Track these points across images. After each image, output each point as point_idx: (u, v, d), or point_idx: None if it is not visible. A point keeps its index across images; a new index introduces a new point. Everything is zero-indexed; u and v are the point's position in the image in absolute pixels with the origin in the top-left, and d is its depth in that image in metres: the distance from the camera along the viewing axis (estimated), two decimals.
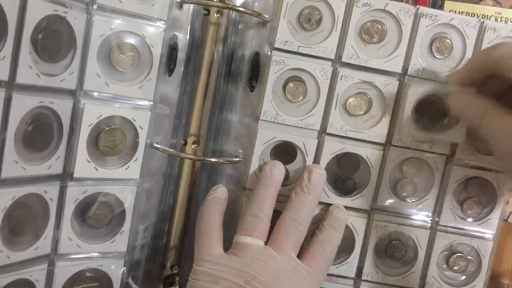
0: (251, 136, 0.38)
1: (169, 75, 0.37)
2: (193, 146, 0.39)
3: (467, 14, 0.42)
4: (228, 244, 0.36)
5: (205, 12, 0.37)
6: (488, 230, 0.39)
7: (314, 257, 0.35)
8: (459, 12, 0.42)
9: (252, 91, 0.37)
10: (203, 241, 0.35)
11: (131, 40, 0.35)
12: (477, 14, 0.42)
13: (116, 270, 0.38)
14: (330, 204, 0.38)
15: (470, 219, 0.39)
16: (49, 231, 0.34)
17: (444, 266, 0.40)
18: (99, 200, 0.36)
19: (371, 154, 0.38)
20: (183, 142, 0.39)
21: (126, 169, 0.37)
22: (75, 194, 0.35)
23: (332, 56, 0.37)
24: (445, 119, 0.37)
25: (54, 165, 0.34)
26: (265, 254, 0.33)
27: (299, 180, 0.36)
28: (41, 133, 0.32)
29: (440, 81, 0.36)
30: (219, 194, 0.37)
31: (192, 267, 0.35)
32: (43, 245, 0.34)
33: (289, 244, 0.34)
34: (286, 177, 0.38)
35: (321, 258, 0.35)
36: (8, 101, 0.30)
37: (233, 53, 0.38)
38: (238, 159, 0.38)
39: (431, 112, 0.37)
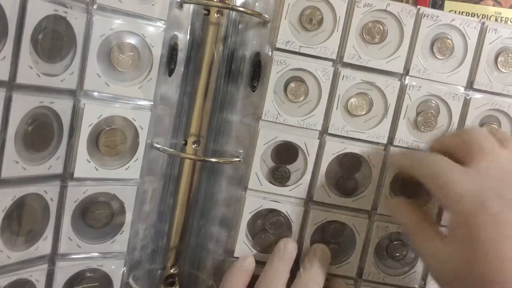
0: (252, 136, 0.38)
1: (169, 75, 0.37)
2: (193, 146, 0.39)
3: (467, 14, 0.42)
4: None
5: (205, 12, 0.37)
6: None
7: None
8: (459, 12, 0.42)
9: (253, 91, 0.37)
10: None
11: (131, 40, 0.35)
12: (477, 14, 0.42)
13: (116, 270, 0.38)
14: (332, 205, 0.38)
15: None
16: (49, 231, 0.34)
17: None
18: (99, 200, 0.36)
19: (372, 155, 0.38)
20: (184, 142, 0.39)
21: (126, 169, 0.37)
22: (75, 194, 0.35)
23: (334, 57, 0.37)
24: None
25: (54, 165, 0.34)
26: None
27: (307, 256, 0.37)
28: (41, 133, 0.32)
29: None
30: (247, 265, 0.37)
31: (191, 267, 0.35)
32: (43, 245, 0.34)
33: None
34: (288, 178, 0.38)
35: None
36: (8, 101, 0.29)
37: (234, 53, 0.38)
38: (238, 159, 0.38)
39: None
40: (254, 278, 0.36)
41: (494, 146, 0.31)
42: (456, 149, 0.32)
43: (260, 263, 0.37)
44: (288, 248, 0.37)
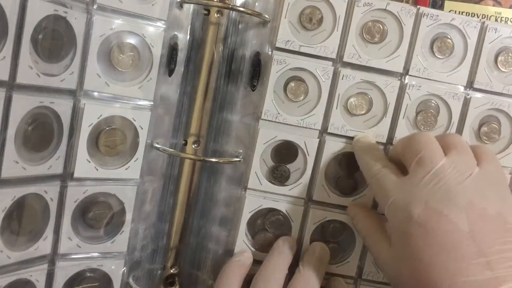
0: (252, 135, 0.38)
1: (169, 75, 0.37)
2: (193, 146, 0.39)
3: (467, 14, 0.42)
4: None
5: (205, 12, 0.37)
6: None
7: None
8: (459, 12, 0.42)
9: (253, 90, 0.37)
10: None
11: (131, 40, 0.35)
12: (477, 14, 0.42)
13: (116, 270, 0.38)
14: (332, 204, 0.38)
15: None
16: (49, 231, 0.34)
17: None
18: (99, 200, 0.36)
19: None
20: (183, 142, 0.39)
21: (126, 169, 0.37)
22: (75, 194, 0.35)
23: (334, 56, 0.37)
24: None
25: (54, 165, 0.34)
26: None
27: (306, 253, 0.38)
28: (41, 133, 0.32)
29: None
30: (245, 259, 0.37)
31: (191, 267, 0.35)
32: (43, 245, 0.34)
33: None
34: (287, 177, 0.38)
35: None
36: (8, 101, 0.30)
37: (234, 53, 0.38)
38: (238, 159, 0.38)
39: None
40: (251, 277, 0.36)
41: (433, 156, 0.31)
42: (403, 156, 0.33)
43: (260, 263, 0.37)
44: (287, 244, 0.37)
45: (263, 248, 0.38)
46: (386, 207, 0.32)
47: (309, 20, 0.36)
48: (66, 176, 0.35)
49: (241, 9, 0.36)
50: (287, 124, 0.37)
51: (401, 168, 0.33)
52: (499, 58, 0.37)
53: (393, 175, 0.33)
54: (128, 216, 0.37)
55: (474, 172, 0.30)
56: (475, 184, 0.30)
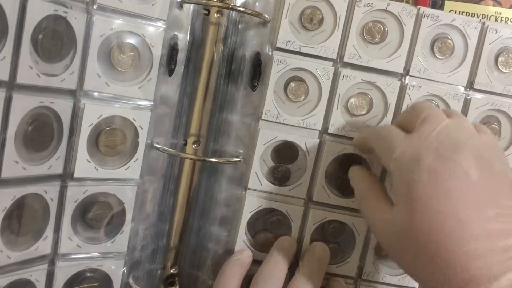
0: (252, 136, 0.38)
1: (169, 75, 0.37)
2: (193, 146, 0.39)
3: (467, 14, 0.42)
4: None
5: (205, 12, 0.37)
6: None
7: None
8: (459, 12, 0.42)
9: (254, 90, 0.37)
10: None
11: (131, 40, 0.35)
12: (477, 14, 0.42)
13: (116, 270, 0.38)
14: (332, 205, 0.38)
15: None
16: (49, 231, 0.34)
17: None
18: (99, 200, 0.36)
19: None
20: (184, 142, 0.39)
21: (126, 169, 0.37)
22: (75, 194, 0.35)
23: (334, 56, 0.37)
24: None
25: (55, 165, 0.34)
26: None
27: (306, 253, 0.38)
28: (41, 133, 0.32)
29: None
30: (244, 257, 0.37)
31: (191, 267, 0.35)
32: (43, 245, 0.34)
33: None
34: (287, 177, 0.38)
35: None
36: (8, 101, 0.29)
37: (234, 53, 0.38)
38: (238, 159, 0.38)
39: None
40: (251, 277, 0.36)
41: (438, 115, 0.31)
42: (407, 121, 0.33)
43: (260, 263, 0.37)
44: (287, 244, 0.37)
45: (263, 248, 0.38)
46: (392, 161, 0.30)
47: (310, 20, 0.36)
48: (66, 176, 0.35)
49: (241, 9, 0.36)
50: (288, 124, 0.37)
51: None
52: (500, 59, 0.37)
53: (400, 132, 0.32)
54: (128, 216, 0.37)
55: (476, 135, 0.30)
56: (479, 144, 0.29)
